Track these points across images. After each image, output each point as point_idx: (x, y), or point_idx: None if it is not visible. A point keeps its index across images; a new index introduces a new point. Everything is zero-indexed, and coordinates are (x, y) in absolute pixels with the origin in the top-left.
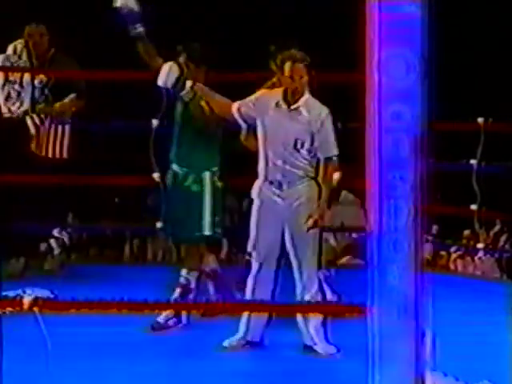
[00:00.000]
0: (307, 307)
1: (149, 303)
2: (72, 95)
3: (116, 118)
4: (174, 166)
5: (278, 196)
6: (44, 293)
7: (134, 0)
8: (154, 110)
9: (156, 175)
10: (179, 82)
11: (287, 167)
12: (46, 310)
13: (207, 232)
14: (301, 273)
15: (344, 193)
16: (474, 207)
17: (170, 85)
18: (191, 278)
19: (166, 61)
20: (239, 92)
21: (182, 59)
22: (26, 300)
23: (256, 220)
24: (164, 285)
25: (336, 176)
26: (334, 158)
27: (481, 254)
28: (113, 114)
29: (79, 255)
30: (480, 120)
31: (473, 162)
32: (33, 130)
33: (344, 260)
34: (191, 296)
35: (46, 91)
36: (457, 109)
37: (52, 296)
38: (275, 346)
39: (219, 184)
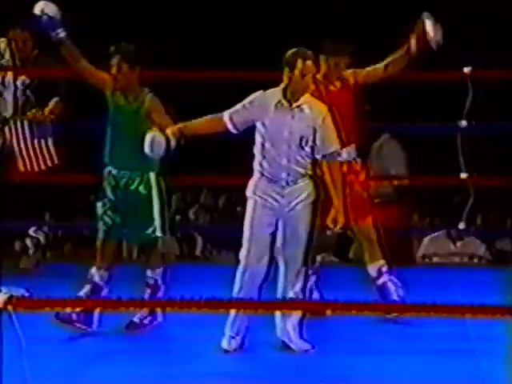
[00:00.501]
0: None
1: (123, 301)
2: (55, 99)
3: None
4: (111, 169)
5: (279, 194)
6: (19, 291)
7: (53, 6)
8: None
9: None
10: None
11: (292, 165)
12: (20, 309)
13: (159, 233)
14: (287, 269)
15: None
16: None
17: (159, 155)
18: (157, 276)
19: (94, 62)
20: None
21: (115, 60)
22: (1, 299)
23: (250, 217)
24: (139, 283)
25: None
26: (336, 155)
27: None
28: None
29: (54, 253)
30: (467, 69)
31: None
32: (16, 148)
33: (319, 258)
34: (161, 293)
35: (28, 92)
36: None
37: (27, 294)
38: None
39: (163, 184)
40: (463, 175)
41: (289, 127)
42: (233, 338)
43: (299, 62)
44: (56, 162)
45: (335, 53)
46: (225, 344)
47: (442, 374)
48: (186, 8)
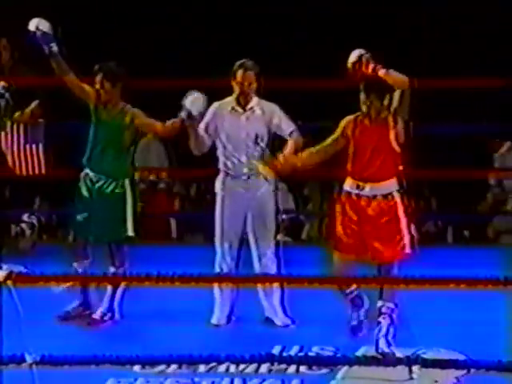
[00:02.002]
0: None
1: (108, 276)
2: (36, 101)
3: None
4: (89, 171)
5: (243, 188)
6: (18, 268)
7: (46, 22)
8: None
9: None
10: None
11: (251, 161)
12: (18, 283)
13: (130, 233)
14: (257, 246)
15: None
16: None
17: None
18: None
19: (78, 75)
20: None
21: (98, 78)
22: (1, 274)
23: (220, 211)
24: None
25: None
26: (295, 132)
27: None
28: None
29: (49, 236)
30: None
31: None
32: (4, 146)
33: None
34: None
35: (7, 96)
36: None
37: (25, 271)
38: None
39: (137, 189)
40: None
41: (244, 128)
42: (221, 313)
43: (238, 73)
44: (43, 171)
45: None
46: (214, 319)
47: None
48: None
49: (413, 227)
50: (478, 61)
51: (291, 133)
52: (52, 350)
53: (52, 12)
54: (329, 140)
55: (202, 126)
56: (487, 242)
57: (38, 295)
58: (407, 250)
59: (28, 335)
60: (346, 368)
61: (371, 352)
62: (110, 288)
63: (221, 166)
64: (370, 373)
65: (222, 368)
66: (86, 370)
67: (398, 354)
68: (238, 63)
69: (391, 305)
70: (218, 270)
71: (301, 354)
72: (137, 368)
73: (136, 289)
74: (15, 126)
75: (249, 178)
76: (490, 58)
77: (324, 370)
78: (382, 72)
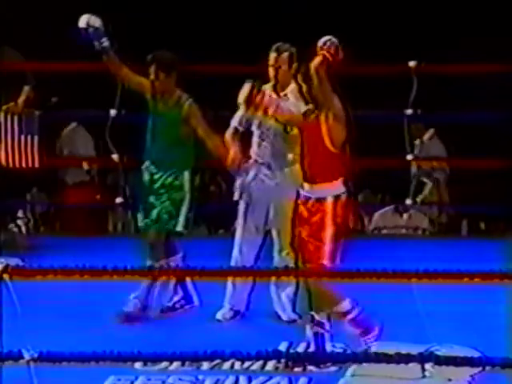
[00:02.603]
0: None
1: (108, 270)
2: (26, 87)
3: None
4: (149, 164)
5: (269, 177)
6: (15, 261)
7: (96, 18)
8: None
9: (115, 156)
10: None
11: (280, 151)
12: (15, 277)
13: (180, 228)
14: (280, 237)
15: None
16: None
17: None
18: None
19: (133, 69)
20: None
21: (152, 69)
22: None
23: (245, 199)
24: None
25: None
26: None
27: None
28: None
29: (46, 228)
30: (412, 63)
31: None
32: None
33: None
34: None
35: None
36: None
37: (22, 264)
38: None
39: (196, 182)
40: (409, 157)
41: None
42: (230, 309)
43: (270, 56)
44: (37, 164)
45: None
46: (219, 315)
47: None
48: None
49: (341, 240)
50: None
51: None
52: (54, 346)
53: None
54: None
55: (240, 113)
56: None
57: (36, 289)
58: (324, 261)
59: (26, 331)
60: (355, 365)
61: (382, 348)
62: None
63: (252, 153)
64: (381, 370)
65: (226, 365)
66: (86, 367)
67: (411, 351)
68: (273, 47)
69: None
70: (234, 261)
71: (308, 350)
72: (138, 365)
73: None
74: (9, 117)
75: (274, 168)
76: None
77: (333, 368)
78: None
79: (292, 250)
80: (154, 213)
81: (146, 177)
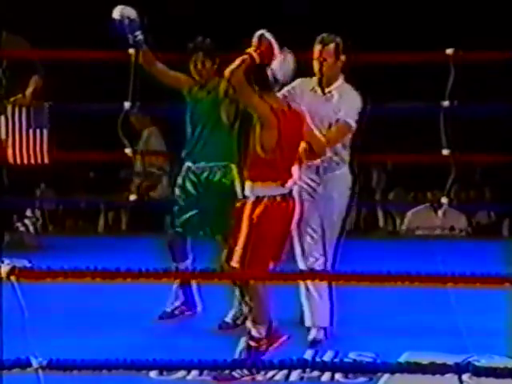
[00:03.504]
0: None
1: (121, 272)
2: (35, 77)
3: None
4: (191, 164)
5: (315, 181)
6: (22, 263)
7: (131, 9)
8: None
9: (128, 150)
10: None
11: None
12: (22, 279)
13: None
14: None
15: None
16: (446, 152)
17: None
18: None
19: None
20: None
21: (198, 57)
22: (4, 269)
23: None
24: (138, 254)
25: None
26: (344, 122)
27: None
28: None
29: (56, 227)
30: (449, 51)
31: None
32: (4, 134)
33: None
34: None
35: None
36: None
37: (29, 266)
38: None
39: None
40: (445, 152)
41: (319, 113)
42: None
43: (316, 48)
44: (46, 160)
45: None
46: (312, 335)
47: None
48: None
49: (252, 244)
50: None
51: (338, 120)
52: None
53: None
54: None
55: (282, 92)
56: None
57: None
58: (233, 263)
59: (33, 336)
60: (387, 376)
61: (416, 358)
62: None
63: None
64: (415, 381)
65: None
66: (97, 375)
67: (447, 361)
68: (318, 38)
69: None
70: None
71: (336, 360)
72: (153, 374)
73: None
74: (16, 110)
75: (318, 171)
76: None
77: (362, 379)
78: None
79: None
80: (210, 216)
81: (189, 179)
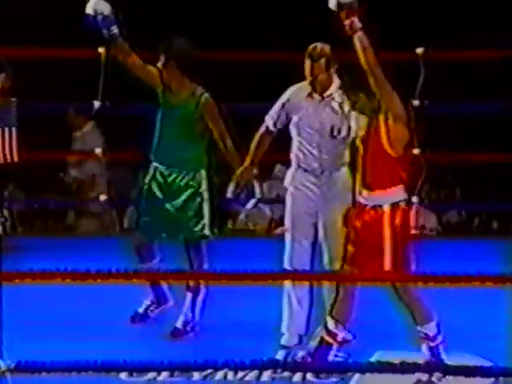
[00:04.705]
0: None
1: (91, 273)
2: (2, 75)
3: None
4: (158, 165)
5: (315, 184)
6: None
7: (105, 4)
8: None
9: (98, 150)
10: None
11: (324, 156)
12: None
13: (207, 231)
14: (329, 248)
15: (278, 166)
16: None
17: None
18: None
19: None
20: None
21: (164, 57)
22: None
23: (290, 207)
24: (108, 255)
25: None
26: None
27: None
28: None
29: (25, 228)
30: (419, 50)
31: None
32: None
33: (279, 230)
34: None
35: None
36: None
37: None
38: None
39: (214, 181)
40: (416, 151)
41: (319, 118)
42: (292, 334)
43: (306, 62)
44: (16, 159)
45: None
46: (284, 340)
47: None
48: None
49: (402, 249)
50: None
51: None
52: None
53: None
54: None
55: (275, 109)
56: None
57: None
58: (386, 268)
59: (6, 338)
60: (358, 376)
61: (387, 357)
62: (189, 295)
63: (292, 157)
64: (386, 381)
65: (219, 375)
66: (67, 377)
67: (418, 360)
68: (308, 50)
69: None
70: (289, 267)
71: (308, 359)
72: (123, 375)
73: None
74: None
75: (320, 174)
76: None
77: (333, 378)
78: (359, 34)
79: (345, 262)
80: (175, 219)
81: (156, 180)
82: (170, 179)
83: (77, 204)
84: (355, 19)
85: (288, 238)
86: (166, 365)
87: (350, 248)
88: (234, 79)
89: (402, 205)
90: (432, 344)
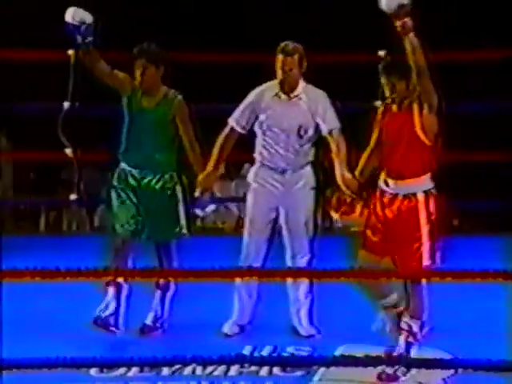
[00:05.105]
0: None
1: (61, 271)
2: None
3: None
4: (131, 168)
5: (278, 181)
6: None
7: (89, 14)
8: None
9: (68, 151)
10: None
11: (290, 155)
12: None
13: (185, 231)
14: (291, 246)
15: (246, 166)
16: None
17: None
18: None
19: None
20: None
21: (140, 62)
22: None
23: (252, 203)
24: (78, 253)
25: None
26: (337, 131)
27: None
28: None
29: None
30: (381, 53)
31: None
32: None
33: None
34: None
35: None
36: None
37: None
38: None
39: (186, 182)
40: None
41: (287, 117)
42: (236, 323)
43: (278, 58)
44: None
45: None
46: (226, 329)
47: None
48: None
49: (438, 236)
50: None
51: (330, 131)
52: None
53: None
54: (372, 140)
55: (240, 108)
56: None
57: None
58: (425, 261)
59: None
60: (323, 369)
61: (351, 351)
62: (158, 293)
63: (257, 155)
64: (350, 374)
65: (187, 371)
66: (37, 374)
67: (381, 354)
68: (280, 47)
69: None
70: (243, 263)
71: (274, 354)
72: (93, 372)
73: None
74: None
75: (284, 172)
76: None
77: (299, 372)
78: (411, 35)
79: (375, 254)
80: (152, 221)
81: (128, 183)
82: (144, 182)
83: (47, 204)
84: (408, 20)
85: (245, 233)
86: (136, 360)
87: (375, 237)
88: (201, 80)
89: (434, 192)
90: (410, 339)
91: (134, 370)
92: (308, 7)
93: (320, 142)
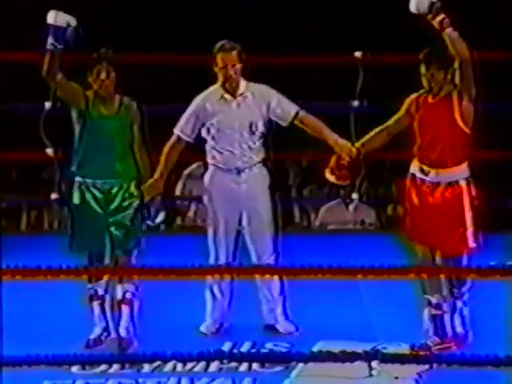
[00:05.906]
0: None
1: (42, 269)
2: None
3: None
4: (92, 180)
5: (235, 182)
6: None
7: (71, 17)
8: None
9: (49, 150)
10: None
11: (245, 152)
12: None
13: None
14: (255, 246)
15: (197, 164)
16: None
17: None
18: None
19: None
20: None
21: (103, 67)
22: None
23: (211, 208)
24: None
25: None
26: (302, 111)
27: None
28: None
29: None
30: (357, 54)
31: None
32: None
33: None
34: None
35: None
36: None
37: None
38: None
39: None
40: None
41: (236, 117)
42: (213, 322)
43: (218, 57)
44: None
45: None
46: (204, 328)
47: None
48: None
49: (479, 221)
50: None
51: (297, 114)
52: None
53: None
54: (392, 119)
55: (185, 117)
56: None
57: None
58: (471, 244)
59: None
60: (301, 365)
61: (328, 347)
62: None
63: (209, 159)
64: (328, 370)
65: (168, 367)
66: (18, 371)
67: (357, 350)
68: (217, 46)
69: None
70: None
71: (253, 350)
72: (75, 369)
73: None
74: None
75: (240, 171)
76: None
77: (278, 368)
78: (449, 30)
79: (420, 243)
80: (118, 231)
81: (96, 194)
82: (112, 193)
83: (29, 203)
84: (443, 16)
85: (210, 238)
86: (117, 357)
87: (420, 227)
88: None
89: (471, 179)
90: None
91: (115, 366)
92: (306, 7)
93: (269, 142)
